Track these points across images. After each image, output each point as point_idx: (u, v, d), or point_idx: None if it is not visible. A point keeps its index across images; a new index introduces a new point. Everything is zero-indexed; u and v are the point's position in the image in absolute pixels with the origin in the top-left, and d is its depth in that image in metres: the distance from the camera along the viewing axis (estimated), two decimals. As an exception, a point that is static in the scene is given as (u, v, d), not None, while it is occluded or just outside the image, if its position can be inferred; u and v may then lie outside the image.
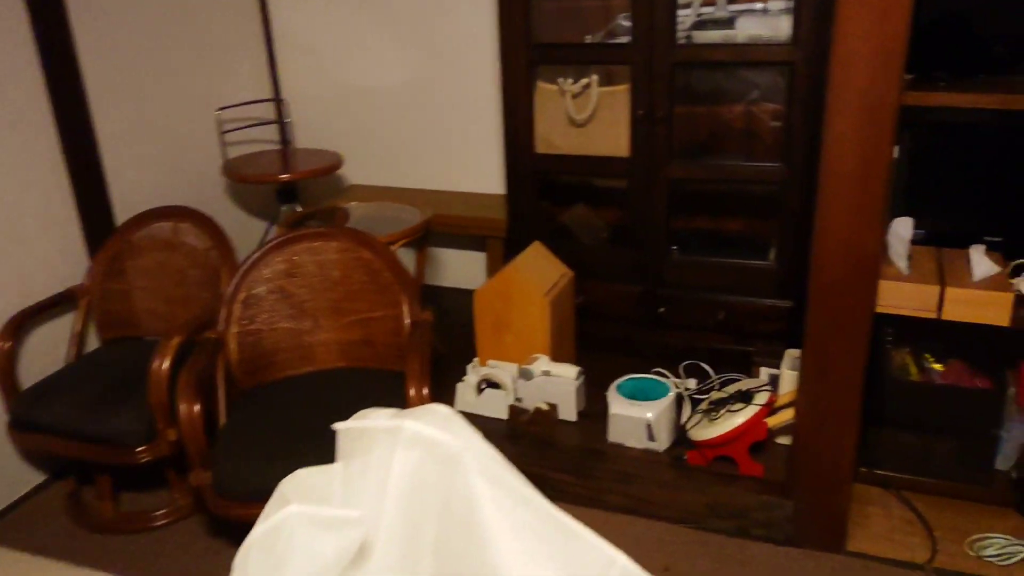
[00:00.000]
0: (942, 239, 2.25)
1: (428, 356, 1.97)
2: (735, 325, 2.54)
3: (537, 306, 2.37)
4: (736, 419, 2.03)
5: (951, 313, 1.97)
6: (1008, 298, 1.92)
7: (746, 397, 2.07)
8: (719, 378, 2.43)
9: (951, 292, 1.95)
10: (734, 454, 2.08)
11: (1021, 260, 2.11)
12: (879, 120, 1.61)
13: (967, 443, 2.18)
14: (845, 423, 1.88)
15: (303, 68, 3.28)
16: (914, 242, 2.24)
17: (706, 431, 2.07)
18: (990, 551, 1.97)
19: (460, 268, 3.33)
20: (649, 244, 2.58)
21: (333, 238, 2.19)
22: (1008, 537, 2.01)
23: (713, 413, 2.10)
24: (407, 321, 2.13)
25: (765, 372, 2.32)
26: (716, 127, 2.61)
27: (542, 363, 2.36)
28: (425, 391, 1.90)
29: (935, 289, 1.96)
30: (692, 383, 2.43)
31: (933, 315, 1.98)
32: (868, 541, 2.06)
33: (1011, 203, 2.19)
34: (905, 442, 2.23)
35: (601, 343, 2.68)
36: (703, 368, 2.52)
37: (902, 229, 2.11)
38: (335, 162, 2.92)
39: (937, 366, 2.29)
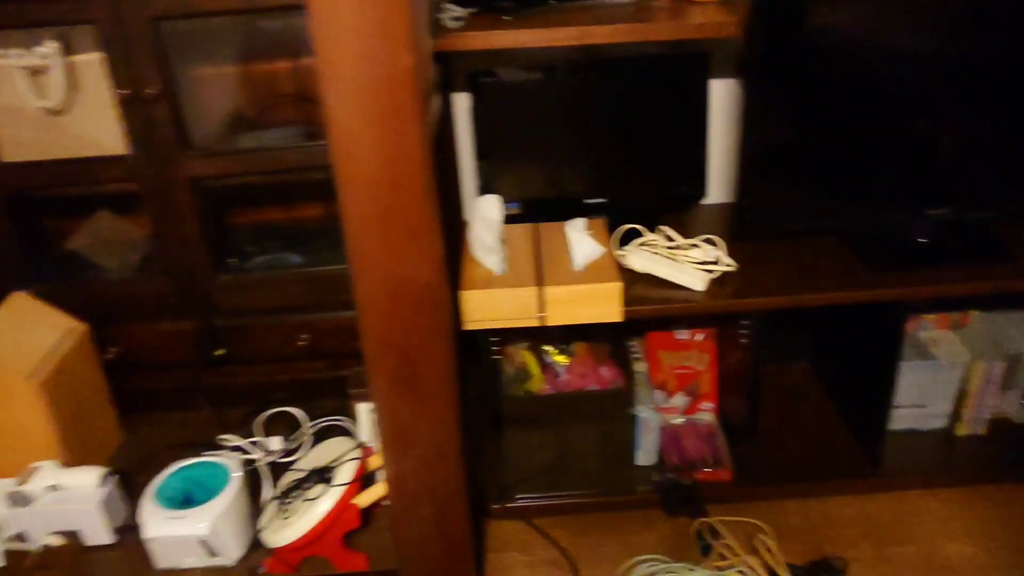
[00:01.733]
0: (544, 210, 1.84)
1: None
2: (323, 347, 1.98)
3: (20, 395, 1.62)
4: (314, 512, 1.48)
5: (556, 317, 1.55)
6: (615, 289, 1.54)
7: (325, 476, 1.52)
8: (313, 426, 1.87)
9: (552, 292, 1.53)
10: (325, 552, 1.54)
11: (628, 225, 1.75)
12: (397, 95, 1.07)
13: (602, 446, 1.84)
14: (447, 479, 1.41)
15: None
16: (512, 219, 1.81)
17: (280, 534, 1.50)
18: (642, 585, 1.65)
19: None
20: (186, 266, 1.90)
21: None
22: (657, 558, 1.70)
23: (287, 505, 1.53)
24: None
25: (363, 409, 1.78)
26: (257, 94, 1.96)
27: (46, 475, 1.63)
28: None
29: (532, 292, 1.53)
30: (277, 443, 1.84)
31: (537, 323, 1.56)
32: (510, 606, 1.65)
33: (610, 156, 1.81)
34: (535, 460, 1.85)
35: (153, 402, 2.00)
36: (293, 415, 1.94)
37: (489, 211, 1.65)
38: None
39: (561, 359, 1.91)
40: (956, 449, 1.91)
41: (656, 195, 1.86)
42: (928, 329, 1.95)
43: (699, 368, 1.96)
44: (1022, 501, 1.81)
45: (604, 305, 1.55)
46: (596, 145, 1.80)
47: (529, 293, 1.52)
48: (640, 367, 1.91)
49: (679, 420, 1.99)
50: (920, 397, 1.90)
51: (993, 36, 1.55)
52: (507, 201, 1.79)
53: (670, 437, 1.94)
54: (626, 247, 1.71)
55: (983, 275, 1.64)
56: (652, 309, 1.60)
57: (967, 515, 1.79)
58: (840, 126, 1.63)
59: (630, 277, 1.67)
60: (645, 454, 1.88)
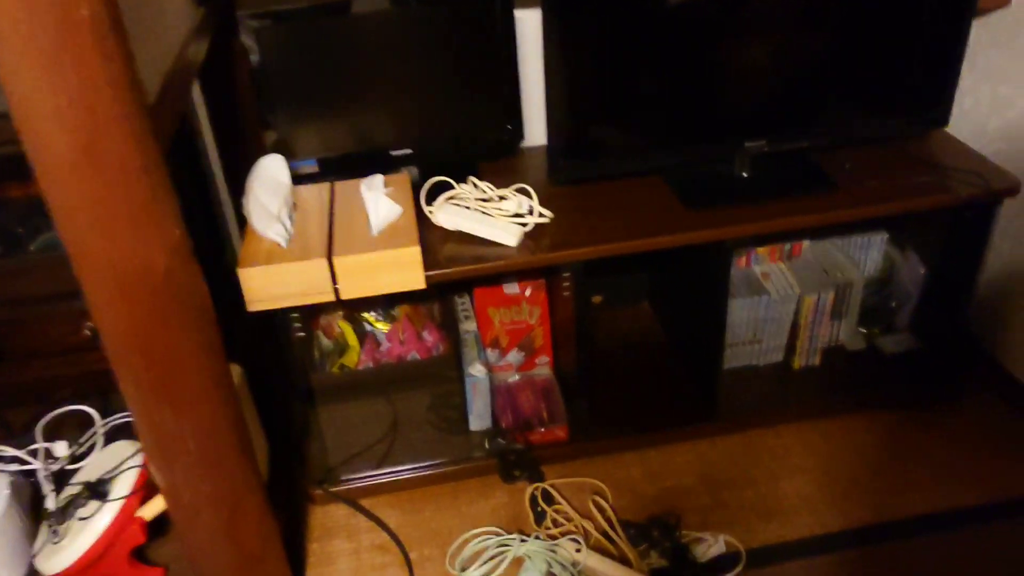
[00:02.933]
0: (347, 166, 1.67)
1: None
2: (117, 336, 1.76)
3: None
4: (89, 532, 1.31)
5: (351, 290, 1.40)
6: (413, 255, 1.39)
7: (99, 490, 1.35)
8: (106, 424, 1.66)
9: (343, 263, 1.37)
10: (112, 573, 1.37)
11: (436, 179, 1.60)
12: (78, 53, 0.87)
13: (432, 415, 1.73)
14: (231, 484, 1.25)
15: None
16: (310, 177, 1.63)
17: (53, 560, 1.32)
18: (474, 572, 1.55)
19: None
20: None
21: None
22: (492, 531, 1.61)
23: (58, 527, 1.35)
24: None
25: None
26: None
27: None
28: None
29: (321, 264, 1.36)
30: (62, 448, 1.63)
31: (332, 298, 1.40)
32: (334, 602, 1.54)
33: (414, 102, 1.64)
34: (361, 437, 1.72)
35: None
36: (88, 413, 1.72)
37: (273, 174, 1.46)
38: None
39: (381, 325, 1.77)
40: (792, 382, 1.88)
41: (468, 142, 1.72)
42: (761, 262, 1.90)
43: (531, 322, 1.85)
44: (855, 432, 1.80)
45: (403, 272, 1.40)
46: (398, 90, 1.63)
47: (318, 266, 1.36)
48: (469, 326, 1.79)
49: (515, 378, 1.89)
50: (755, 333, 1.86)
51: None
52: (302, 159, 1.61)
53: (505, 397, 1.83)
54: (435, 202, 1.56)
55: (807, 208, 1.58)
56: (460, 271, 1.47)
57: (804, 451, 1.77)
58: (647, 58, 1.51)
59: (439, 236, 1.53)
60: (478, 418, 1.77)
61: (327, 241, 1.41)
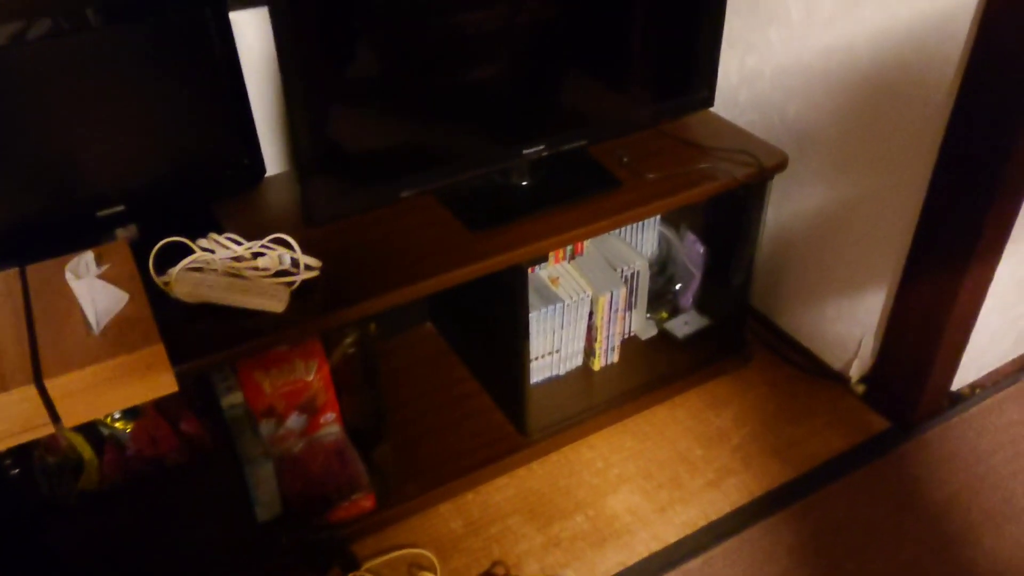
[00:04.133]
0: (39, 240, 1.29)
1: None
2: None
3: None
4: None
5: (78, 414, 1.07)
6: (155, 355, 1.08)
7: None
8: None
9: (58, 386, 1.03)
10: None
11: (167, 239, 1.28)
12: None
13: (206, 520, 1.43)
14: None
15: None
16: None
17: None
18: None
19: None
20: None
21: None
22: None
23: None
24: None
25: None
26: None
27: None
28: None
29: (28, 394, 1.02)
30: None
31: (51, 430, 1.06)
32: None
33: (121, 145, 1.29)
34: (111, 569, 1.38)
35: None
36: None
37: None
38: None
39: (122, 425, 1.42)
40: (595, 385, 1.79)
41: (198, 184, 1.40)
42: (546, 266, 1.77)
43: (308, 379, 1.59)
44: (663, 426, 1.75)
45: (146, 379, 1.09)
46: (96, 133, 1.27)
47: (23, 397, 1.01)
48: (235, 399, 1.50)
49: (300, 446, 1.62)
50: (553, 342, 1.73)
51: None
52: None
53: (293, 472, 1.57)
54: (170, 271, 1.25)
55: (596, 210, 1.46)
56: (221, 357, 1.18)
57: (620, 458, 1.69)
58: (402, 65, 1.29)
59: (185, 313, 1.22)
60: (265, 508, 1.50)
61: (30, 357, 1.06)
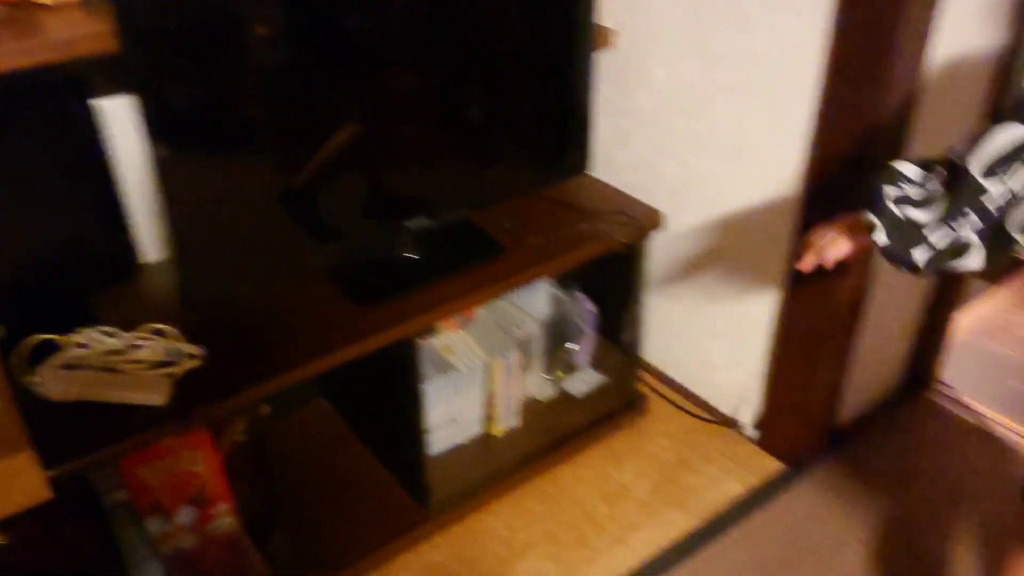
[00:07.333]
0: None
1: None
2: None
3: None
4: None
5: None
6: (23, 464, 1.02)
7: None
8: None
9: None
10: None
11: (37, 337, 1.22)
12: None
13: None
14: None
15: None
16: None
17: None
18: None
19: None
20: None
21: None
22: None
23: None
24: None
25: None
26: None
27: None
28: None
29: None
30: None
31: (-95, 554, 0.98)
32: None
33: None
34: None
35: None
36: None
37: None
38: None
39: (-8, 537, 1.32)
40: (497, 451, 1.79)
41: (66, 278, 1.34)
42: (438, 334, 1.77)
43: (197, 470, 1.52)
44: (566, 485, 1.76)
45: (13, 488, 1.02)
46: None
47: None
48: (118, 497, 1.43)
49: (190, 542, 1.55)
50: (450, 412, 1.72)
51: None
52: None
53: (184, 570, 1.49)
54: (41, 368, 1.19)
55: (483, 278, 1.48)
56: (100, 456, 1.12)
57: (525, 523, 1.68)
58: (275, 142, 1.29)
59: (56, 414, 1.16)
60: (155, 611, 1.41)
61: None
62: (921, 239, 0.99)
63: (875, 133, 1.39)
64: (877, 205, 1.03)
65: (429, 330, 1.59)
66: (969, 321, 2.24)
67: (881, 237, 1.02)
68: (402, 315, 1.38)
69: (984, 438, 1.88)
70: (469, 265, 1.50)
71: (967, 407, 1.96)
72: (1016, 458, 1.83)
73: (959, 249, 0.97)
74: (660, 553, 1.61)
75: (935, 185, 1.00)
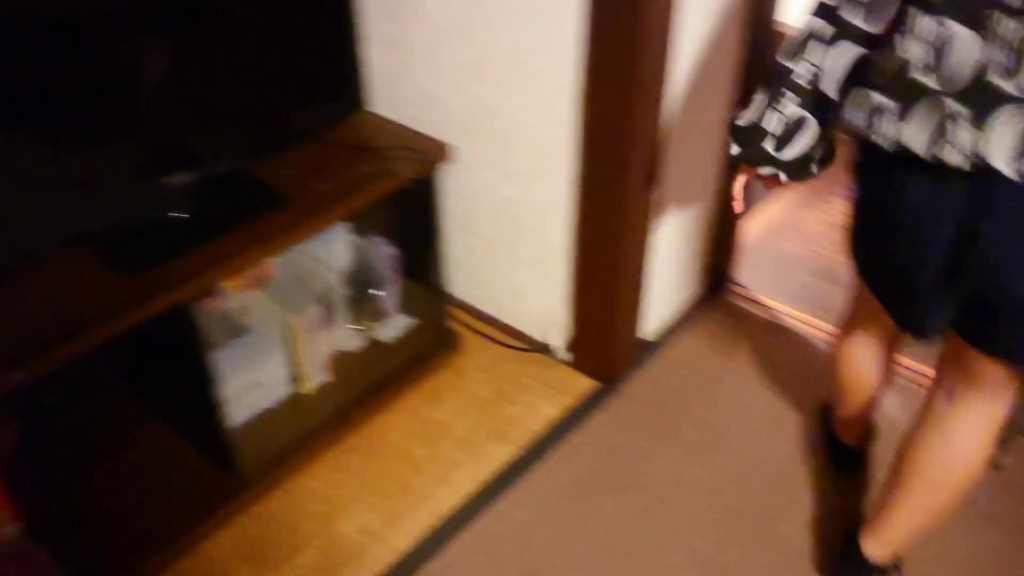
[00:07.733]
0: None
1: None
2: None
3: None
4: None
5: None
6: None
7: None
8: None
9: None
10: None
11: None
12: None
13: None
14: None
15: None
16: None
17: None
18: None
19: None
20: None
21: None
22: None
23: None
24: None
25: None
26: None
27: None
28: None
29: None
30: None
31: None
32: None
33: None
34: None
35: None
36: None
37: None
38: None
39: None
40: (311, 409, 1.72)
41: None
42: (232, 297, 1.66)
43: (-37, 479, 1.36)
44: (385, 434, 1.73)
45: None
46: None
47: None
48: None
49: (-33, 558, 1.39)
50: (251, 377, 1.63)
51: None
52: None
53: (-37, 590, 1.34)
54: None
55: (265, 232, 1.39)
56: None
57: (346, 478, 1.64)
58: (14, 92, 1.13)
59: None
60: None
61: None
62: (763, 133, 1.13)
63: (640, 45, 1.39)
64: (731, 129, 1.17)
65: (208, 293, 1.48)
66: (759, 223, 2.36)
67: (734, 149, 1.17)
68: (173, 280, 1.27)
69: (779, 332, 1.99)
70: (247, 219, 1.41)
71: (762, 304, 2.07)
72: (811, 347, 1.95)
73: (793, 126, 1.10)
74: (481, 488, 1.60)
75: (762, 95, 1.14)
